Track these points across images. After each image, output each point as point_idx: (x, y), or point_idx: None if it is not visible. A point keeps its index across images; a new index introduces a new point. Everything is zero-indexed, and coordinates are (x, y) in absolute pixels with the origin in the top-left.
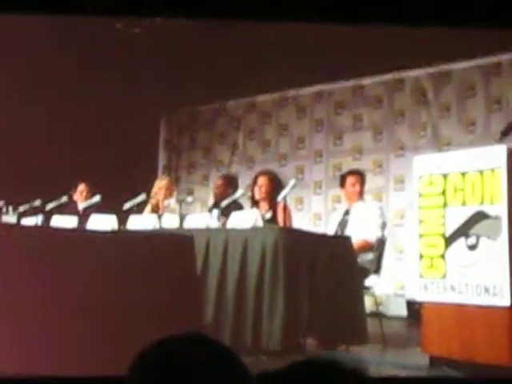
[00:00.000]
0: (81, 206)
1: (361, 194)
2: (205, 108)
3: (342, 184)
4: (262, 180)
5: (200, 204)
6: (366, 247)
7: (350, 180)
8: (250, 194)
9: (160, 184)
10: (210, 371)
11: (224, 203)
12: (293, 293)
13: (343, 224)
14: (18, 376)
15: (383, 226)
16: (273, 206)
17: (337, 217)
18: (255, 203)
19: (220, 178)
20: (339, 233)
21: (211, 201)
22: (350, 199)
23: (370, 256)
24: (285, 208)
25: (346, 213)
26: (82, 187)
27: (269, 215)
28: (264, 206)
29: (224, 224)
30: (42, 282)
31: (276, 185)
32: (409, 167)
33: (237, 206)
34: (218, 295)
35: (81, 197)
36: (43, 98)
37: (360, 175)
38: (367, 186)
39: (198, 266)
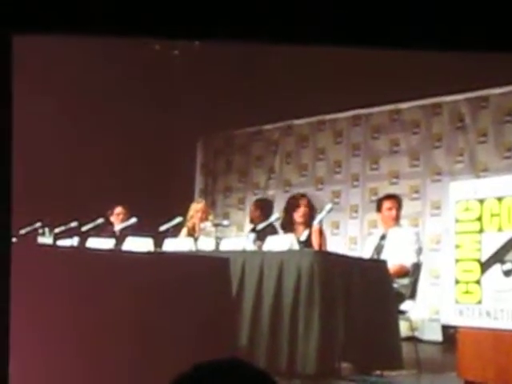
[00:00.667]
0: (117, 227)
1: (397, 219)
2: (241, 132)
3: (379, 208)
4: (303, 201)
5: (236, 227)
6: (402, 272)
7: (387, 204)
8: (283, 216)
9: (196, 207)
10: None
11: (260, 227)
12: (328, 316)
13: (379, 248)
14: None
15: (419, 251)
16: (308, 229)
17: (373, 241)
18: (289, 226)
19: (255, 202)
20: (375, 257)
21: (247, 224)
22: (386, 224)
23: (405, 281)
24: (320, 231)
25: (383, 237)
26: (119, 209)
27: (304, 237)
28: (300, 229)
29: (260, 247)
30: (77, 303)
31: (313, 209)
32: (445, 192)
33: (272, 230)
34: (253, 318)
35: (117, 219)
36: (82, 119)
37: (396, 200)
38: (404, 211)
39: (233, 288)
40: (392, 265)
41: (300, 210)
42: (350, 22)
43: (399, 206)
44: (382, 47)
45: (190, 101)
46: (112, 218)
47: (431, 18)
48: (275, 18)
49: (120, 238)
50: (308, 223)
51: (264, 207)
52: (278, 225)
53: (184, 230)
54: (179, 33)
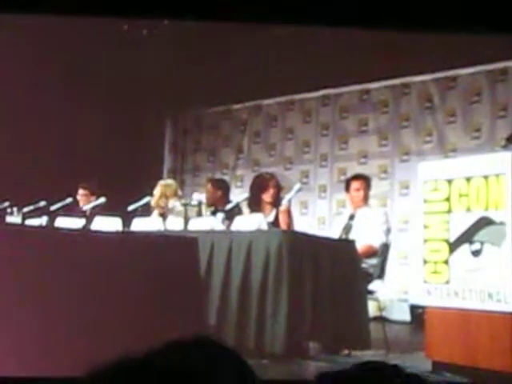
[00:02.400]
0: (85, 207)
1: (365, 199)
2: (210, 111)
3: (347, 188)
4: (272, 182)
5: (204, 207)
6: (370, 252)
7: (355, 185)
8: (250, 196)
9: (165, 187)
10: (215, 375)
11: (228, 207)
12: (296, 296)
13: (348, 228)
14: (15, 376)
15: (388, 231)
16: (276, 209)
17: (341, 221)
18: (257, 206)
19: (213, 183)
20: (343, 237)
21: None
22: (354, 204)
23: (374, 261)
24: (288, 211)
25: (351, 217)
26: (86, 190)
27: (271, 218)
28: (268, 209)
29: (228, 227)
30: (45, 282)
31: (281, 188)
32: (414, 173)
33: (238, 210)
34: (221, 298)
35: (86, 199)
36: (49, 99)
37: (365, 180)
38: (372, 191)
39: (202, 268)
40: (360, 245)
41: (268, 190)
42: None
43: (367, 187)
44: (352, 27)
45: (158, 80)
46: (80, 198)
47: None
48: None
49: (89, 217)
50: (276, 203)
51: (222, 187)
52: (244, 205)
53: (156, 211)
54: (148, 12)
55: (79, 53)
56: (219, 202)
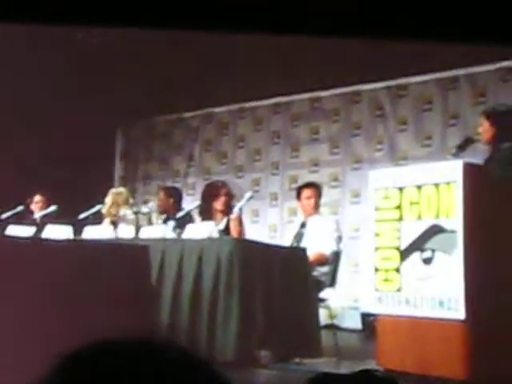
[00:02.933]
0: (37, 215)
1: (316, 207)
2: (162, 119)
3: (298, 197)
4: (224, 190)
5: (156, 215)
6: (322, 260)
7: (306, 193)
8: (201, 204)
9: (116, 195)
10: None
11: (179, 214)
12: (247, 304)
13: (299, 237)
14: None
15: (339, 239)
16: (227, 217)
17: (293, 229)
18: (208, 214)
19: (165, 190)
20: (295, 245)
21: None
22: (305, 212)
23: (325, 269)
24: (239, 219)
25: (303, 225)
26: (38, 198)
27: (222, 226)
28: (219, 217)
29: (179, 235)
30: None
31: (232, 196)
32: (365, 181)
33: (190, 218)
34: (172, 306)
35: (37, 207)
36: (1, 107)
37: (316, 188)
38: (323, 199)
39: (153, 276)
40: (311, 253)
41: (220, 198)
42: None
43: (318, 195)
44: (302, 36)
45: (110, 88)
46: (32, 206)
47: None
48: (195, 3)
49: (40, 225)
50: (227, 211)
51: (174, 195)
52: (195, 213)
53: (107, 219)
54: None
55: (30, 60)
56: (171, 209)
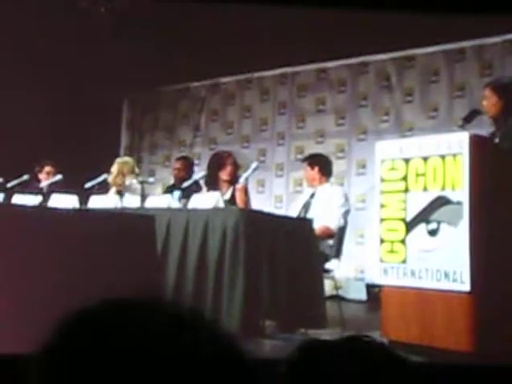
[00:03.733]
0: (42, 184)
1: (321, 178)
2: (168, 89)
3: (305, 167)
4: (230, 160)
5: (162, 185)
6: (327, 234)
7: (311, 163)
8: (207, 173)
9: (122, 164)
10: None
11: (185, 184)
12: (253, 275)
13: (307, 206)
14: None
15: (346, 213)
16: (233, 187)
17: (303, 198)
18: (214, 184)
19: (178, 160)
20: (302, 215)
21: (173, 182)
22: (310, 182)
23: (330, 241)
24: (245, 190)
25: (312, 195)
26: (48, 168)
27: (228, 196)
28: (225, 187)
29: (185, 205)
30: (1, 259)
31: (238, 166)
32: (371, 152)
33: (197, 187)
34: (177, 275)
35: (47, 177)
36: (6, 75)
37: (321, 158)
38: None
39: (158, 245)
40: (318, 227)
41: (226, 168)
42: None
43: (324, 165)
44: (309, 6)
45: (116, 58)
46: (41, 176)
47: None
48: None
49: (46, 195)
50: (233, 181)
51: (187, 165)
52: (202, 182)
53: (113, 189)
54: None
55: (36, 29)
56: (182, 179)
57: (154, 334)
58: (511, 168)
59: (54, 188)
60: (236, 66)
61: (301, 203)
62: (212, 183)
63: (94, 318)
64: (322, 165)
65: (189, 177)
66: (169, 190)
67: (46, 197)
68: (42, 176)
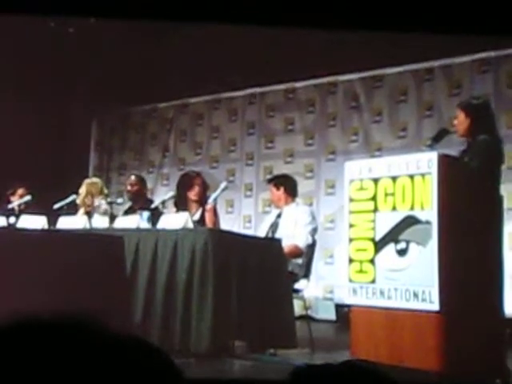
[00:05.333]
0: (10, 205)
1: (287, 199)
2: (137, 109)
3: (270, 188)
4: (198, 181)
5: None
6: (296, 253)
7: (276, 184)
8: (176, 194)
9: (90, 185)
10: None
11: (154, 205)
12: (222, 295)
13: (275, 226)
14: None
15: (314, 231)
16: (200, 206)
17: (270, 219)
18: (183, 205)
19: (132, 177)
20: (270, 235)
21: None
22: (276, 203)
23: (299, 261)
24: (214, 210)
25: (279, 215)
26: (21, 191)
27: (197, 216)
28: (193, 207)
29: (154, 226)
30: None
31: (207, 187)
32: (340, 171)
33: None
34: (146, 296)
35: (19, 199)
36: None
37: (286, 179)
38: (298, 190)
39: (127, 266)
40: (286, 245)
41: (194, 189)
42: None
43: (290, 185)
44: (278, 26)
45: (85, 78)
46: (13, 198)
47: None
48: None
49: (16, 215)
50: (202, 202)
51: (142, 182)
52: (170, 203)
53: (81, 209)
54: (75, 10)
55: (3, 50)
56: (142, 197)
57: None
58: (480, 187)
59: (23, 209)
60: (204, 87)
61: (268, 224)
62: (181, 203)
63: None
64: (287, 185)
65: (143, 193)
66: (128, 212)
67: (16, 218)
68: (14, 198)
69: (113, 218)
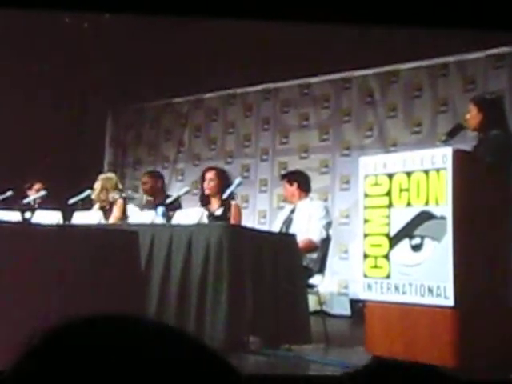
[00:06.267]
0: (25, 200)
1: (300, 194)
2: (151, 105)
3: (283, 184)
4: (210, 175)
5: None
6: (311, 247)
7: (289, 180)
8: (196, 190)
9: (105, 180)
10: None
11: (169, 200)
12: (237, 290)
13: (288, 222)
14: None
15: (328, 225)
16: (223, 202)
17: (283, 214)
18: (205, 200)
19: (146, 174)
20: (284, 230)
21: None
22: (290, 199)
23: (314, 256)
24: (236, 206)
25: (292, 211)
26: (38, 185)
27: (219, 212)
28: (215, 202)
29: (169, 221)
30: None
31: (224, 181)
32: (355, 167)
33: (177, 204)
34: (161, 291)
35: (35, 194)
36: None
37: (299, 175)
38: (313, 185)
39: (142, 261)
40: (301, 240)
41: (205, 183)
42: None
43: (304, 181)
44: (293, 21)
45: (100, 73)
46: (30, 193)
47: None
48: None
49: (31, 210)
50: (220, 196)
51: (160, 178)
52: (184, 198)
53: (97, 205)
54: (89, 5)
55: (19, 45)
56: (158, 192)
57: (126, 353)
58: (494, 182)
59: (40, 203)
60: (219, 82)
61: (281, 219)
62: (201, 198)
63: (61, 339)
64: (300, 181)
65: (159, 189)
66: (147, 207)
67: (31, 212)
68: (30, 193)
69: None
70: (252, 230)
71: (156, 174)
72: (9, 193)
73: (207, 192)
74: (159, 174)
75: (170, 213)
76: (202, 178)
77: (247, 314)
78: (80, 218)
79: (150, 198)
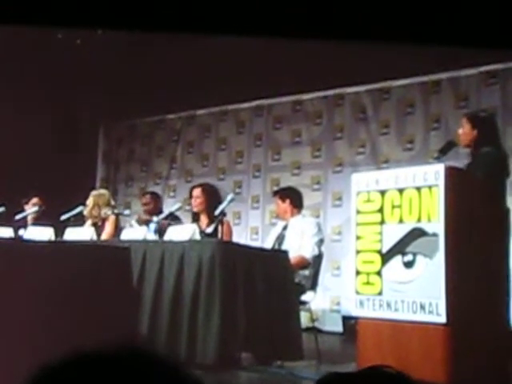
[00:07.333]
0: (18, 216)
1: (292, 211)
2: (144, 121)
3: (275, 201)
4: (196, 192)
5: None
6: (303, 264)
7: (281, 197)
8: (188, 207)
9: (97, 196)
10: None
11: (161, 216)
12: (229, 307)
13: (281, 238)
14: None
15: (320, 242)
16: (213, 219)
17: (276, 231)
18: (195, 216)
19: (146, 194)
20: (276, 247)
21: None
22: (282, 215)
23: (306, 272)
24: (227, 223)
25: (285, 228)
26: (35, 200)
27: (210, 229)
28: (204, 219)
29: (161, 237)
30: None
31: (212, 197)
32: (347, 183)
33: (174, 219)
34: (153, 308)
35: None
36: None
37: (291, 191)
38: (305, 202)
39: (134, 278)
40: (293, 257)
41: (192, 200)
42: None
43: (296, 197)
44: (285, 38)
45: (92, 89)
46: (27, 207)
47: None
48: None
49: (22, 226)
50: (209, 213)
51: (155, 199)
52: (179, 214)
53: (89, 221)
54: (82, 21)
55: (11, 60)
56: (157, 213)
57: None
58: (486, 199)
59: (35, 218)
60: (212, 98)
61: (274, 236)
62: (193, 215)
63: (57, 377)
64: (292, 197)
65: (159, 211)
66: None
67: (23, 229)
68: (27, 207)
69: (119, 229)
70: (244, 247)
71: (155, 194)
72: (1, 209)
73: (195, 209)
74: (158, 194)
75: (162, 229)
76: (189, 195)
77: (239, 331)
78: (72, 234)
79: (147, 217)
